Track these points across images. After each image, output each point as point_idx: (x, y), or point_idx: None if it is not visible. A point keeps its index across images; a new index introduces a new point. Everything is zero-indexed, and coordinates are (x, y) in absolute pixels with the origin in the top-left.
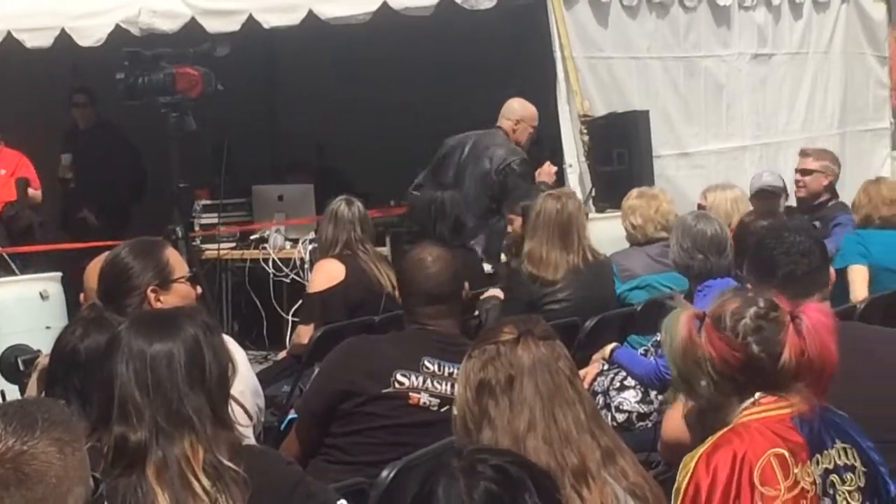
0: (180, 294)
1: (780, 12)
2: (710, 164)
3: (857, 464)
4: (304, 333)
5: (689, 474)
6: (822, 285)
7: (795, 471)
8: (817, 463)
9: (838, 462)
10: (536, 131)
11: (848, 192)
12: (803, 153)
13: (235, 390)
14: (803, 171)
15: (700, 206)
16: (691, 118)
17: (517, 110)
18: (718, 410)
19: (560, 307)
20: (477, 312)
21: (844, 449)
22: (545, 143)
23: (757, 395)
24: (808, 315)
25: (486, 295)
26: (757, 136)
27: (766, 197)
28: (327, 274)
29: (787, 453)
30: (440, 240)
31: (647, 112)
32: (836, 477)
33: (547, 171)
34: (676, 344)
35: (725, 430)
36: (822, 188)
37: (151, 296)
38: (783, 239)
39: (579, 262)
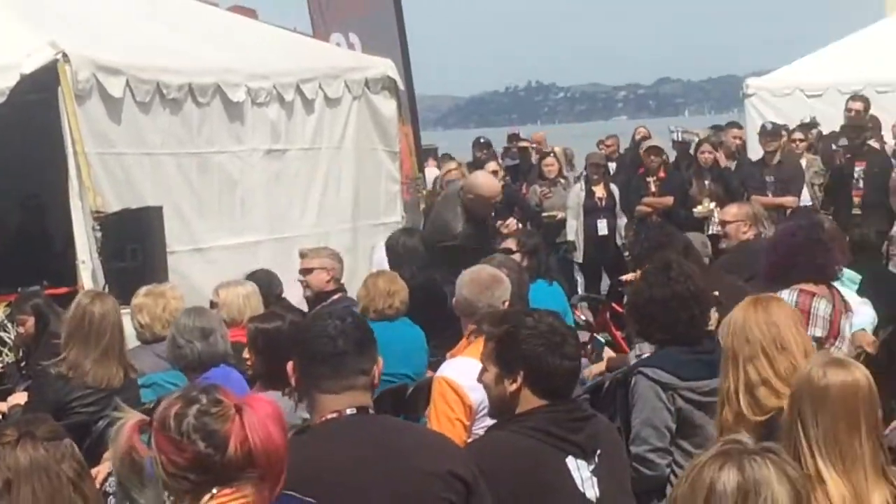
0: None
1: (293, 108)
2: (224, 259)
3: None
4: None
5: None
6: (356, 371)
7: None
8: None
9: None
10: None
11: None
12: (301, 254)
13: None
14: (304, 271)
15: (213, 304)
16: (205, 213)
17: (476, 185)
18: None
19: (91, 411)
20: None
21: None
22: (57, 239)
23: (214, 489)
24: (253, 406)
25: (10, 403)
26: (271, 230)
27: None
28: None
29: None
30: None
31: (160, 208)
32: None
33: (508, 226)
34: (116, 454)
35: None
36: (325, 283)
37: None
38: (321, 320)
39: (117, 367)
